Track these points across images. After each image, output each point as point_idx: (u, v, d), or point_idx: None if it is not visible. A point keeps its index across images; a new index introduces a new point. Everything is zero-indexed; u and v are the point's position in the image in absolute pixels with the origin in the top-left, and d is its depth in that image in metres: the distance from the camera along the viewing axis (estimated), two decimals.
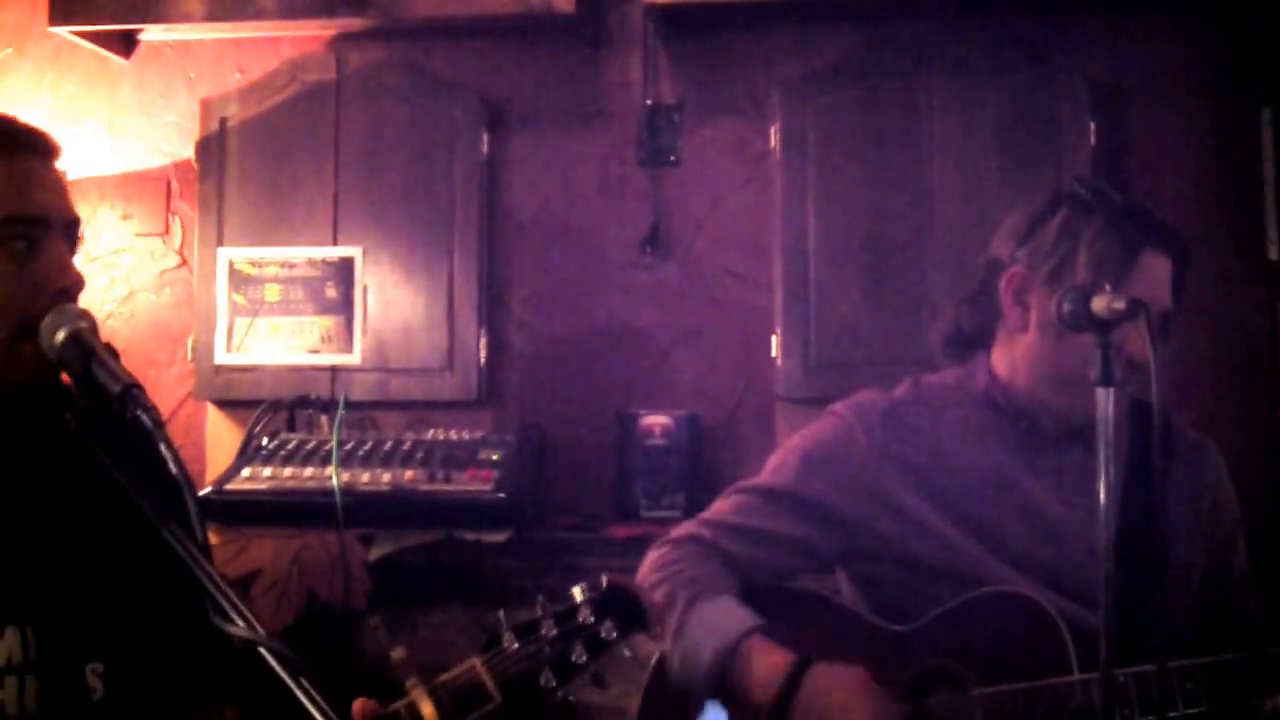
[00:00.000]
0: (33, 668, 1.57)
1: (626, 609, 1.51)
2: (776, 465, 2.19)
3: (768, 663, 1.96)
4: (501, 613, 1.51)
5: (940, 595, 2.02)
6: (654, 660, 2.08)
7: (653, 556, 2.17)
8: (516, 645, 1.48)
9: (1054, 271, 1.99)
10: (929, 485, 2.08)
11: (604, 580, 1.52)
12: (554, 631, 1.49)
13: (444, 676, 1.48)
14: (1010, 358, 2.10)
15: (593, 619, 1.50)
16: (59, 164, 1.67)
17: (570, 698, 1.49)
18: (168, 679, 1.69)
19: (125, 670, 1.63)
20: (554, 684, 1.48)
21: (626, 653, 1.52)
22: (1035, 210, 2.07)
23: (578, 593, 1.51)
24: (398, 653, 1.49)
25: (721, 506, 2.20)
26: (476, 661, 1.48)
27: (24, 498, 1.61)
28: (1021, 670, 1.91)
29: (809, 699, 1.91)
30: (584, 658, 1.49)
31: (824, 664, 1.94)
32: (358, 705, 1.48)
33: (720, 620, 2.03)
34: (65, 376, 1.58)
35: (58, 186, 1.65)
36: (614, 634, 1.50)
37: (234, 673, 1.65)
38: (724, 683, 2.00)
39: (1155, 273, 1.99)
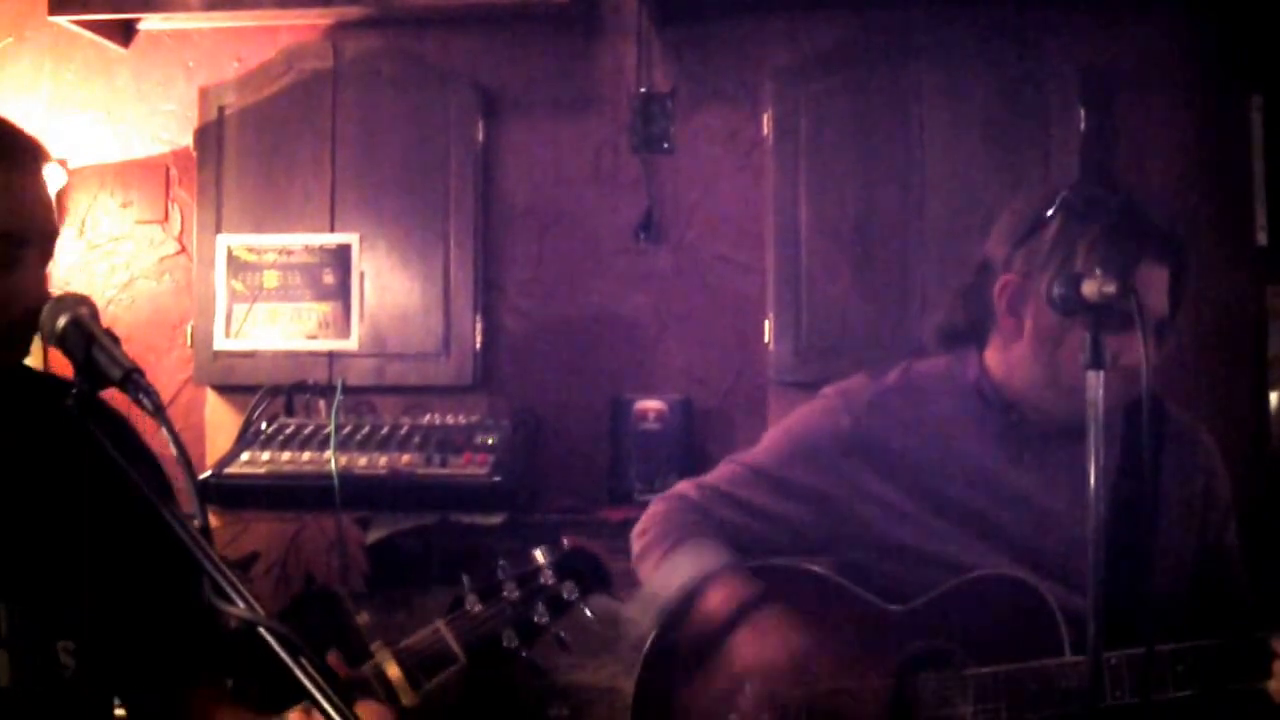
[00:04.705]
0: (3, 643, 1.56)
1: (587, 570, 1.55)
2: (767, 445, 2.23)
3: (727, 592, 2.03)
4: (465, 576, 1.53)
5: (927, 581, 2.03)
6: (649, 641, 2.09)
7: (646, 513, 2.25)
8: (480, 607, 1.50)
9: (1050, 282, 1.93)
10: (912, 472, 2.09)
11: (564, 542, 1.56)
12: (516, 593, 1.51)
13: (409, 639, 1.50)
14: (1005, 361, 2.09)
15: (554, 580, 1.53)
16: (48, 167, 1.66)
17: (538, 661, 1.51)
18: (142, 658, 1.71)
19: (97, 648, 1.64)
20: (517, 644, 1.50)
21: (588, 613, 1.53)
22: (1031, 212, 2.02)
23: (539, 555, 1.54)
24: (362, 618, 1.52)
25: (715, 474, 2.24)
26: (440, 623, 1.50)
27: (12, 478, 1.62)
28: (1014, 652, 1.94)
29: (751, 620, 2.00)
30: (546, 618, 1.51)
31: (778, 605, 2.01)
32: (330, 659, 1.49)
33: (699, 559, 2.08)
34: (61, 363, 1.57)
35: (40, 199, 1.62)
36: (575, 594, 1.53)
37: (225, 651, 1.68)
38: (680, 613, 2.06)
39: (1152, 285, 1.95)
